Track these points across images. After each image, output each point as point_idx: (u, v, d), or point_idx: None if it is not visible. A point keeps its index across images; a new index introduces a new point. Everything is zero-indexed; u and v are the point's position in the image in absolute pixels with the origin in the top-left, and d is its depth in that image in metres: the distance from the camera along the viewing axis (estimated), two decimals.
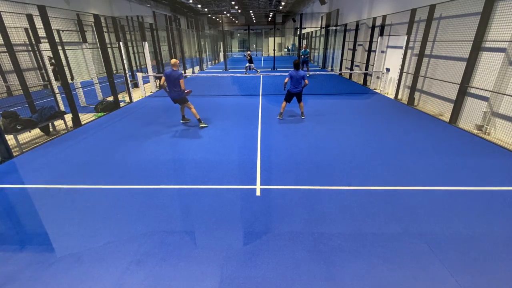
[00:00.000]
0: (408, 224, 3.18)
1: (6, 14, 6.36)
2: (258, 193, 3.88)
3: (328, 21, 19.50)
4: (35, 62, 11.36)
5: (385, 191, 3.87)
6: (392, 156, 5.00)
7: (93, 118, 7.95)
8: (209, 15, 37.90)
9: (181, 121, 7.27)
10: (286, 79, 7.01)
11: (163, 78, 6.45)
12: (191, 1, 26.41)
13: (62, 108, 7.23)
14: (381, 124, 6.80)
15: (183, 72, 6.18)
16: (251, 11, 37.48)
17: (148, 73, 12.05)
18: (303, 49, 17.18)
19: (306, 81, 6.86)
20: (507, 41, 5.57)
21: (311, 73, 15.10)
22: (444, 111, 7.43)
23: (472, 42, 6.30)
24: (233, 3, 27.58)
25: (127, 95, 10.12)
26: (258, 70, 16.91)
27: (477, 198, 3.69)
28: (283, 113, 7.50)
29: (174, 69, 6.34)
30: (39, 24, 6.57)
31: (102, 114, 8.33)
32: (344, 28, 15.76)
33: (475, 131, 6.24)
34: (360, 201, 3.65)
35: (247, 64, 16.35)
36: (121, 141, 6.00)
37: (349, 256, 2.74)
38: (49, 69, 6.86)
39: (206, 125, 6.91)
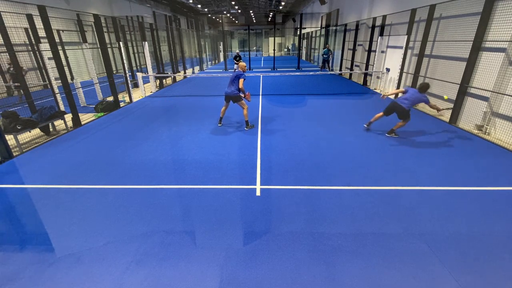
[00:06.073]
0: (408, 224, 3.18)
1: (6, 14, 6.35)
2: (258, 193, 3.88)
3: (328, 21, 19.51)
4: (35, 62, 11.37)
5: (385, 191, 3.87)
6: (392, 156, 5.00)
7: (93, 118, 7.95)
8: (209, 15, 37.94)
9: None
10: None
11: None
12: (191, 1, 26.43)
13: (62, 108, 7.23)
14: (381, 124, 6.79)
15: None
16: (251, 11, 37.52)
17: (148, 73, 12.05)
18: (325, 49, 17.26)
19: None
20: (507, 41, 5.57)
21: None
22: (444, 111, 7.42)
23: (472, 42, 6.30)
24: (233, 3, 27.61)
25: (127, 95, 10.12)
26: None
27: (477, 198, 3.69)
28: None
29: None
30: (39, 24, 6.57)
31: (102, 114, 8.33)
32: (344, 28, 15.75)
33: (475, 131, 6.24)
34: (360, 201, 3.66)
35: None
36: (121, 141, 6.00)
37: (349, 256, 2.73)
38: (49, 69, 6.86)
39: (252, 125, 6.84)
